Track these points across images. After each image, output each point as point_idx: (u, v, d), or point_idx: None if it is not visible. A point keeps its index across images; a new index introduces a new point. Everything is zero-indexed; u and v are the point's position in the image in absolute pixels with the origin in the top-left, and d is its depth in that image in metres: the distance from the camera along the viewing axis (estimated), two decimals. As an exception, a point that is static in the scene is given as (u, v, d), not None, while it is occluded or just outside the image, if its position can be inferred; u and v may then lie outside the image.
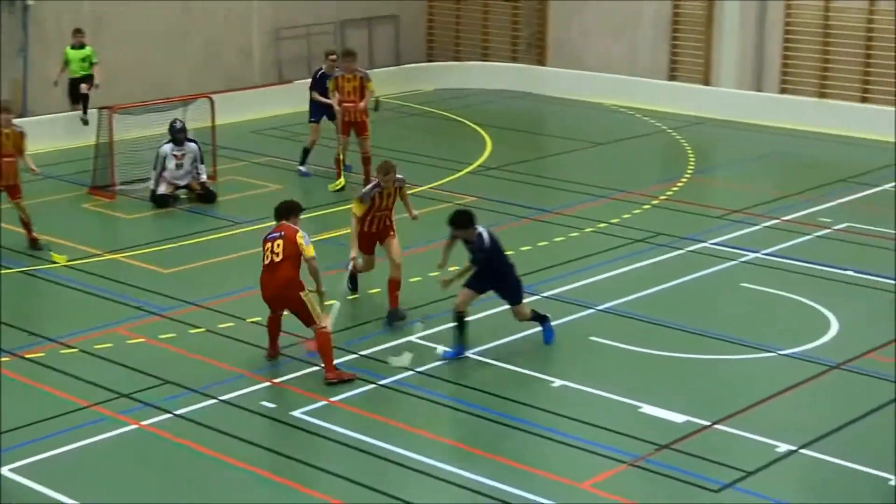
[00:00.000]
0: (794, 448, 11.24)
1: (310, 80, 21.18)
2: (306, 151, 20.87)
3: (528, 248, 16.89)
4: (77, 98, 22.65)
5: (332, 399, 12.24)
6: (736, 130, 24.35)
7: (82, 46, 22.35)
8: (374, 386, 12.58)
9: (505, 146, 23.10)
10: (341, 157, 20.04)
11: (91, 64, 22.36)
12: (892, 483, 10.62)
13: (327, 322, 12.69)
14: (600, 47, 27.80)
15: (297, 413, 11.95)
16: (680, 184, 20.24)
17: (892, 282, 15.47)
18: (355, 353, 13.29)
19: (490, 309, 14.15)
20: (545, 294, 15.06)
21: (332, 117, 20.14)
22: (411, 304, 14.39)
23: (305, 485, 10.68)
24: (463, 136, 24.20)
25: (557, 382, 12.66)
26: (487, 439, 11.54)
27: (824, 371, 12.99)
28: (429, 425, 11.84)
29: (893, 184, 20.28)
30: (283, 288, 12.57)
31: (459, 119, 25.60)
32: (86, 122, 22.20)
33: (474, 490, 10.54)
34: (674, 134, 24.20)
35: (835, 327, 14.06)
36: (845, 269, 15.78)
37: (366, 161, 19.78)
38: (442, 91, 28.40)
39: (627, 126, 24.91)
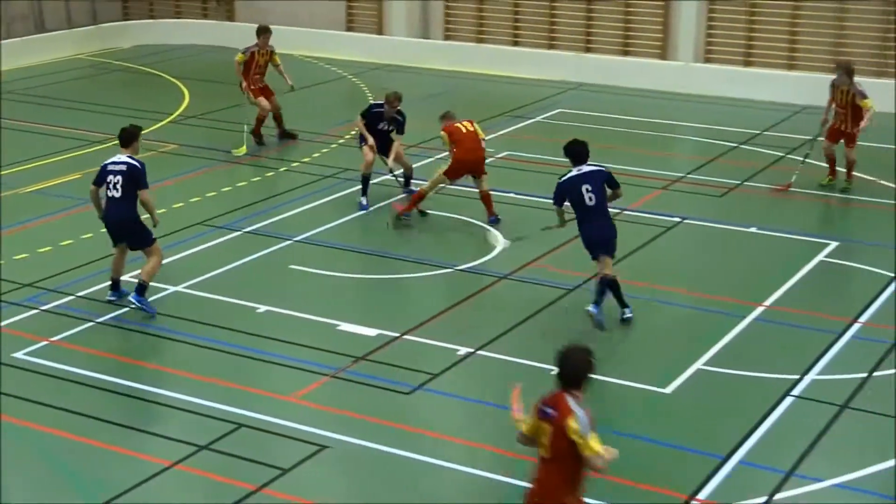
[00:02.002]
0: (472, 350, 11.58)
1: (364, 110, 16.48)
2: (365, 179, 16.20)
3: (228, 188, 16.68)
4: None
5: (53, 338, 11.80)
6: (408, 74, 24.62)
7: None
8: (91, 323, 12.18)
9: (202, 97, 22.60)
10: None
11: None
12: (553, 372, 11.06)
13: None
14: (283, 2, 27.50)
15: (19, 354, 11.46)
16: (361, 124, 20.30)
17: (548, 201, 16.05)
18: (71, 294, 12.85)
19: (196, 247, 13.94)
20: (246, 230, 14.92)
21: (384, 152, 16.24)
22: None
23: (27, 418, 10.27)
24: (162, 89, 23.53)
25: (262, 308, 12.59)
26: (201, 364, 11.38)
27: (494, 282, 13.41)
28: (142, 355, 11.63)
29: (543, 115, 21.04)
30: None
31: (158, 73, 24.87)
32: None
33: (189, 410, 10.41)
34: (354, 79, 24.26)
35: (501, 243, 14.46)
36: (507, 192, 16.26)
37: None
38: (140, 48, 27.48)
39: (312, 74, 24.79)
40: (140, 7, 29.09)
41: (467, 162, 15.06)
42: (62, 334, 11.93)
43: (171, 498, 9.17)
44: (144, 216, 12.54)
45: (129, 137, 12.62)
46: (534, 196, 16.15)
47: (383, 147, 15.95)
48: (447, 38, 25.96)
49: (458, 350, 11.59)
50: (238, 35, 27.27)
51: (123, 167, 12.34)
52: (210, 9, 28.55)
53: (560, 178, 12.32)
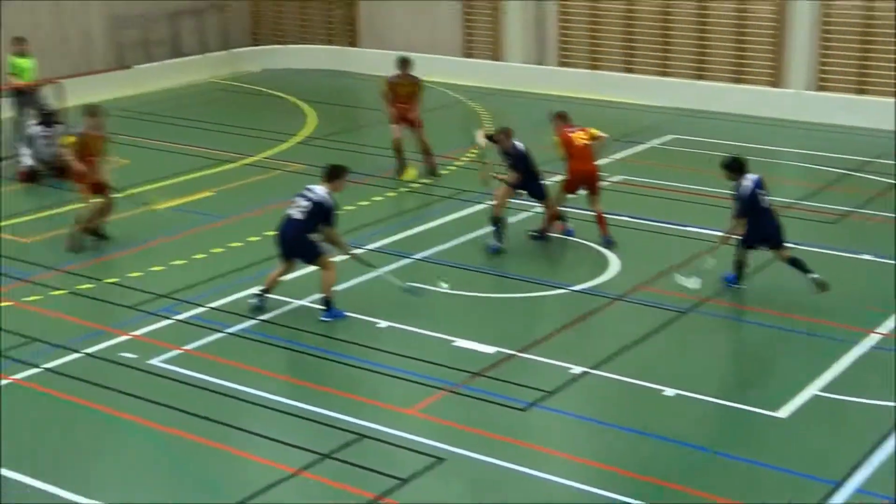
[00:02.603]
0: (586, 369, 11.49)
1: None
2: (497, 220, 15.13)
3: (352, 207, 16.81)
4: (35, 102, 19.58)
5: (186, 347, 12.02)
6: (523, 99, 24.61)
7: (25, 54, 19.80)
8: (222, 334, 12.38)
9: (326, 119, 22.90)
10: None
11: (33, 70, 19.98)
12: (666, 393, 10.95)
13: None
14: (403, 29, 27.75)
15: (154, 361, 11.69)
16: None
17: (661, 224, 15.92)
18: (203, 306, 13.08)
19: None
20: (369, 247, 15.02)
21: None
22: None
23: (160, 422, 10.47)
24: (289, 111, 23.89)
25: (383, 323, 12.66)
26: (323, 376, 11.49)
27: (608, 303, 13.29)
28: (270, 366, 11.74)
29: (658, 141, 20.84)
30: None
31: (285, 96, 25.26)
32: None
33: (312, 419, 10.50)
34: (471, 104, 24.34)
35: (615, 265, 14.37)
36: (620, 215, 16.12)
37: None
38: (268, 72, 27.94)
39: (430, 98, 24.84)
40: (269, 33, 29.61)
41: (581, 173, 14.96)
42: (194, 343, 12.14)
43: (296, 503, 9.25)
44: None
45: (330, 174, 12.79)
46: (649, 220, 16.00)
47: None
48: (562, 64, 25.90)
49: (571, 369, 11.50)
50: (361, 60, 27.74)
51: (315, 197, 12.53)
52: (335, 35, 28.91)
53: (738, 193, 12.99)
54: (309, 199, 12.56)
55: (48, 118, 18.66)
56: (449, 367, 11.56)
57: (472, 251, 14.96)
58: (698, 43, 24.23)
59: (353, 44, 28.64)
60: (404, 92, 18.63)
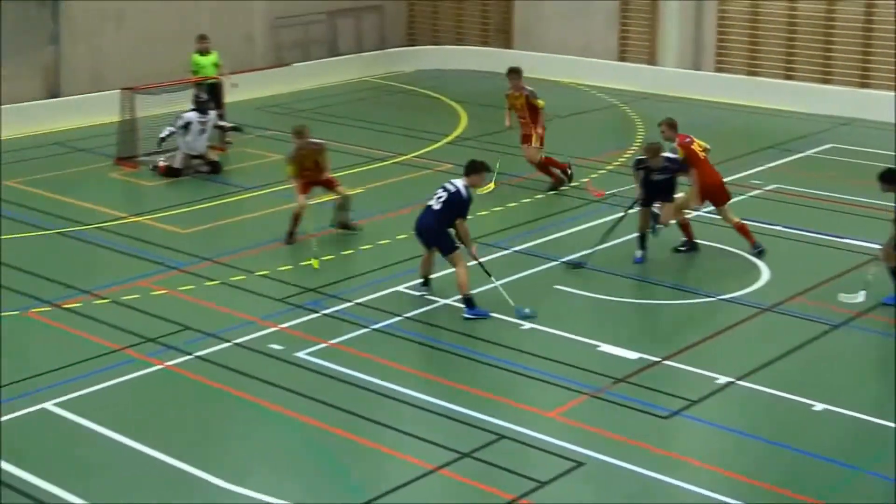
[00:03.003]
0: (732, 380, 11.30)
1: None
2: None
3: (500, 208, 16.89)
4: (217, 99, 20.51)
5: (331, 341, 12.24)
6: (678, 104, 24.28)
7: (208, 53, 20.74)
8: (367, 329, 12.57)
9: (478, 120, 23.02)
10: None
11: (217, 66, 20.85)
12: (815, 408, 10.70)
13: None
14: (558, 32, 27.72)
15: (300, 354, 11.95)
16: (630, 151, 20.21)
17: (815, 235, 15.55)
18: (349, 301, 13.30)
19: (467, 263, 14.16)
20: (515, 249, 15.06)
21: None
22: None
23: (303, 413, 10.69)
24: (441, 111, 24.11)
25: (526, 325, 12.67)
26: (464, 375, 11.56)
27: (757, 313, 13.04)
28: (412, 363, 11.87)
29: (815, 150, 20.35)
30: None
31: (437, 96, 25.49)
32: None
33: (453, 418, 10.58)
34: (624, 108, 24.16)
35: (766, 275, 14.10)
36: (774, 225, 15.81)
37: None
38: (421, 72, 28.24)
39: (583, 101, 24.87)
40: (424, 34, 29.93)
41: (711, 186, 14.69)
42: (339, 338, 12.36)
43: (436, 500, 9.34)
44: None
45: (470, 168, 13.22)
46: (802, 230, 15.65)
47: (664, 195, 14.65)
48: (718, 69, 25.49)
49: (717, 378, 11.32)
50: (515, 62, 27.63)
51: (453, 189, 13.01)
52: (490, 36, 29.06)
53: None
54: (447, 191, 13.00)
55: (203, 105, 19.09)
56: (592, 372, 11.50)
57: (619, 256, 14.85)
58: (863, 49, 23.54)
59: (507, 45, 28.72)
60: (518, 105, 17.85)
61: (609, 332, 12.48)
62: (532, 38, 28.17)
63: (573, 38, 27.45)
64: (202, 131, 18.84)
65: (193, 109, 19.01)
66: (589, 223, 16.17)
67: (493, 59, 28.24)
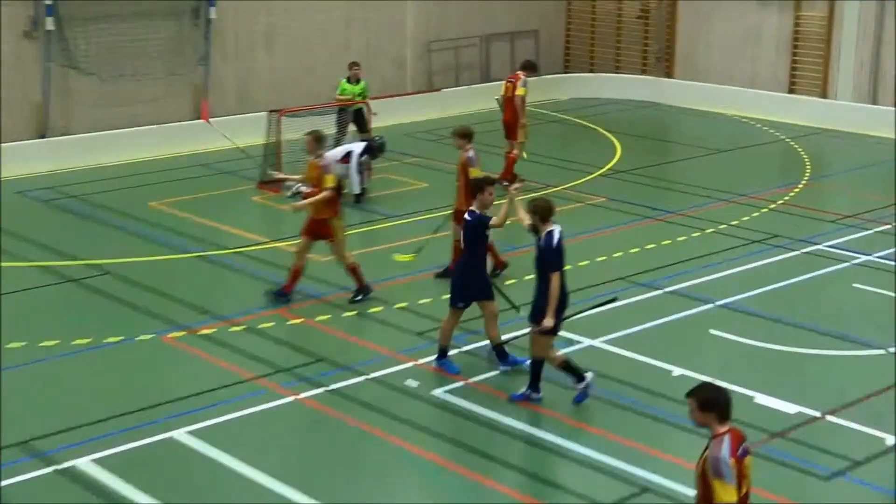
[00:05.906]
0: (901, 441, 10.81)
1: None
2: None
3: (653, 245, 16.59)
4: (361, 125, 20.93)
5: (471, 380, 12.14)
6: (851, 140, 23.61)
7: (358, 81, 20.92)
8: (508, 368, 12.42)
9: (633, 152, 22.74)
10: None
11: (364, 96, 20.98)
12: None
13: None
14: (723, 61, 27.25)
15: (437, 392, 11.87)
16: (797, 189, 19.70)
17: None
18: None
19: (620, 301, 13.92)
20: (668, 289, 14.75)
21: None
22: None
23: (439, 454, 10.61)
24: (595, 141, 23.91)
25: (677, 371, 12.36)
26: (608, 421, 11.32)
27: (932, 369, 12.48)
28: (550, 404, 11.64)
29: None
30: None
31: (592, 126, 25.30)
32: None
33: (595, 467, 10.36)
34: (792, 143, 23.56)
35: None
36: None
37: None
38: (577, 100, 28.10)
39: (748, 135, 24.36)
40: (580, 61, 29.79)
41: None
42: (478, 377, 12.23)
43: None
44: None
45: (475, 188, 12.84)
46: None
47: None
48: (899, 103, 24.69)
49: (886, 439, 10.83)
50: (676, 92, 27.41)
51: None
52: (649, 64, 28.76)
53: None
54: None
55: (374, 152, 19.21)
56: (746, 425, 11.08)
57: (778, 300, 14.41)
58: None
59: (668, 74, 28.36)
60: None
61: (767, 382, 12.07)
62: (695, 67, 27.77)
63: (740, 67, 26.95)
64: (359, 171, 18.92)
65: (365, 152, 18.95)
66: (747, 266, 15.75)
67: (652, 89, 27.99)
